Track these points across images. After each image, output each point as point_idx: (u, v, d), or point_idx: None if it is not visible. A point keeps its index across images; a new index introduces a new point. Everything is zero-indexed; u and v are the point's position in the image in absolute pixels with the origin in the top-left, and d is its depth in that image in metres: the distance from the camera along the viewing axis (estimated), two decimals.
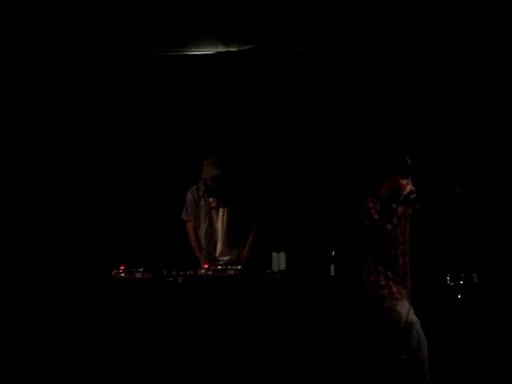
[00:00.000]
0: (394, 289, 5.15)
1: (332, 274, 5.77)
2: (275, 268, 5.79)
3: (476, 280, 6.38)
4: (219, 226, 6.33)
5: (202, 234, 6.35)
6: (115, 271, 5.58)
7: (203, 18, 6.47)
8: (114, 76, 6.94)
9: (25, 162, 6.83)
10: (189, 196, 6.32)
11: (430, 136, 6.98)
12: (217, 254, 6.32)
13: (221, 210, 6.32)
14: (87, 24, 6.47)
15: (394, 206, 5.08)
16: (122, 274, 5.56)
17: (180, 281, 5.55)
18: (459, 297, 6.36)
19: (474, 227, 6.80)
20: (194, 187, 6.32)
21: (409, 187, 5.13)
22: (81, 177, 6.94)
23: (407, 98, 7.01)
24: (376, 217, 5.07)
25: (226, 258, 6.29)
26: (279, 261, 5.81)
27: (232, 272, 5.61)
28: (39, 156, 6.87)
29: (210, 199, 6.30)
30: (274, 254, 5.84)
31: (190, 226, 6.36)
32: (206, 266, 5.72)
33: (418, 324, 5.05)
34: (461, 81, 6.91)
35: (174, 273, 5.59)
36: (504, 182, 6.85)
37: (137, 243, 6.77)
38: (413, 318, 5.06)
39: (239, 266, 5.71)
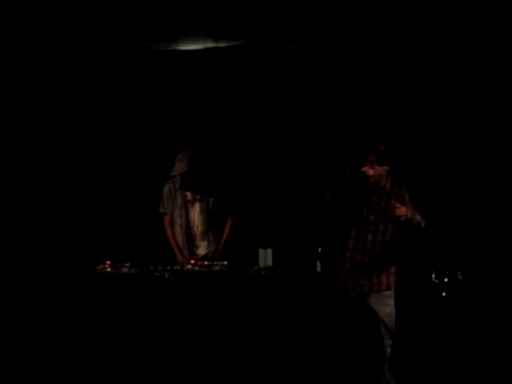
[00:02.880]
0: (343, 276, 5.28)
1: (318, 270, 5.79)
2: (262, 264, 5.79)
3: (460, 278, 6.42)
4: (195, 219, 6.31)
5: (177, 227, 6.33)
6: (101, 266, 5.57)
7: (192, 13, 6.46)
8: (101, 71, 6.92)
9: (7, 158, 6.80)
10: (165, 189, 6.32)
11: (419, 133, 7.02)
12: (194, 249, 6.30)
13: (197, 203, 6.31)
14: (74, 19, 6.44)
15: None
16: (108, 269, 5.55)
17: (166, 276, 5.55)
18: (444, 294, 6.40)
19: (458, 225, 6.85)
20: (171, 180, 6.32)
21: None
22: (65, 172, 6.92)
23: (397, 94, 7.03)
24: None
25: (203, 253, 6.28)
26: (266, 257, 5.82)
27: (218, 268, 5.62)
28: (21, 152, 6.84)
29: (186, 193, 6.30)
30: (261, 251, 5.85)
31: (166, 220, 6.34)
32: (192, 262, 5.72)
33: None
34: (454, 80, 6.94)
35: (160, 268, 5.59)
36: (489, 181, 6.89)
37: (123, 238, 6.76)
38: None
39: (225, 262, 5.70)
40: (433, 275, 6.44)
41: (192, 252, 6.26)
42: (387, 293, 5.21)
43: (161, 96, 7.06)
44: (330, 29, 6.56)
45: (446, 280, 6.41)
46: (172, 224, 6.32)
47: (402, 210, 5.12)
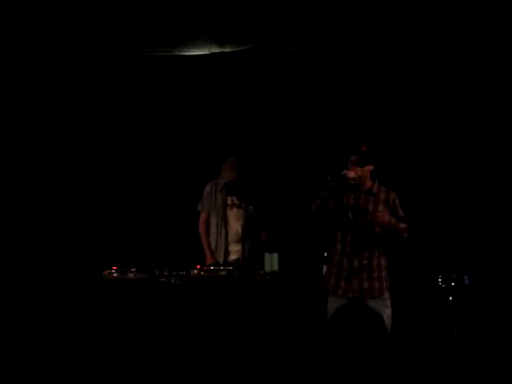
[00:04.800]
0: (332, 281, 5.17)
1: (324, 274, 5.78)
2: (267, 269, 5.79)
3: (467, 282, 6.40)
4: (232, 224, 6.31)
5: (212, 229, 6.33)
6: (107, 271, 5.58)
7: (197, 18, 6.48)
8: (107, 76, 6.94)
9: (16, 162, 6.81)
10: (207, 188, 6.35)
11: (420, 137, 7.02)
12: (228, 252, 6.30)
13: (235, 209, 6.32)
14: (79, 24, 6.47)
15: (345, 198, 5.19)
16: (115, 274, 5.56)
17: (172, 281, 5.55)
18: (450, 299, 6.38)
19: (465, 229, 6.83)
20: (214, 181, 6.34)
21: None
22: (71, 177, 6.93)
23: (401, 99, 7.03)
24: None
25: (235, 258, 6.28)
26: (271, 261, 5.82)
27: (224, 272, 5.62)
28: (30, 156, 6.85)
29: (228, 197, 6.32)
30: (267, 255, 5.85)
31: (202, 218, 6.36)
32: (198, 267, 5.72)
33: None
34: (456, 82, 6.93)
35: (166, 273, 5.59)
36: (495, 185, 6.88)
37: (129, 243, 6.76)
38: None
39: (231, 267, 5.71)
40: (439, 279, 6.42)
41: (224, 255, 6.27)
42: (384, 296, 5.15)
43: (165, 101, 7.07)
44: (335, 34, 6.57)
45: (452, 284, 6.40)
46: (207, 224, 6.33)
47: (385, 217, 5.07)
